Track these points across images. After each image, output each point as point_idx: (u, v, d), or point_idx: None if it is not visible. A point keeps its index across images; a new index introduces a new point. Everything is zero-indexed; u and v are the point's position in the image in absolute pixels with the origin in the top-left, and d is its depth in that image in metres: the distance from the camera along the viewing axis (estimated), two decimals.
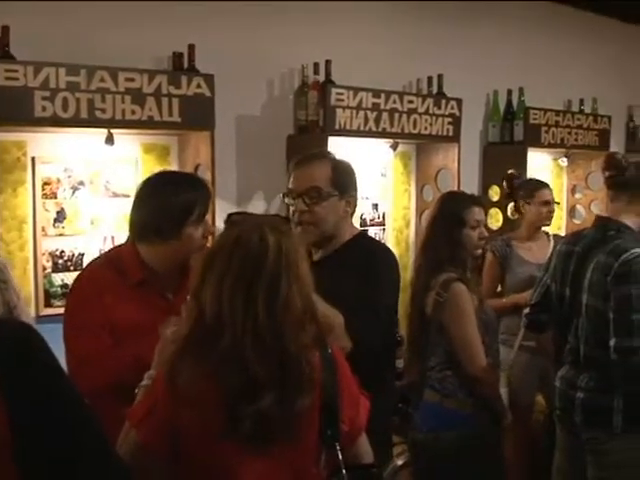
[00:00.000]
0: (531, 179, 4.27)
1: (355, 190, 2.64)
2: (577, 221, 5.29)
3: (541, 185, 4.09)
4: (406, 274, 4.20)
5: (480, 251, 3.16)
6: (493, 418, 2.94)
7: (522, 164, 4.57)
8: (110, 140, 3.10)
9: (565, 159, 5.15)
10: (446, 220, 3.01)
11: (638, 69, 5.83)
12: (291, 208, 2.55)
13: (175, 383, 1.55)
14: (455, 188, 4.08)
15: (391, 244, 4.21)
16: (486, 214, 3.49)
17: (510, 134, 4.71)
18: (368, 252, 2.51)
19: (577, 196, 5.42)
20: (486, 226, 3.17)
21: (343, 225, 2.57)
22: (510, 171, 4.32)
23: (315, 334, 1.63)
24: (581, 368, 2.89)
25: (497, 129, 4.77)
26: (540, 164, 4.99)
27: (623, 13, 5.55)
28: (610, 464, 2.80)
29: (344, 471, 1.70)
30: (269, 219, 1.86)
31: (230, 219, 1.76)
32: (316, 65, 3.77)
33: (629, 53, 5.78)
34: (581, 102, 5.24)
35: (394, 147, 4.08)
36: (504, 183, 4.32)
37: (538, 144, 4.75)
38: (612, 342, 2.67)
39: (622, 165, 2.91)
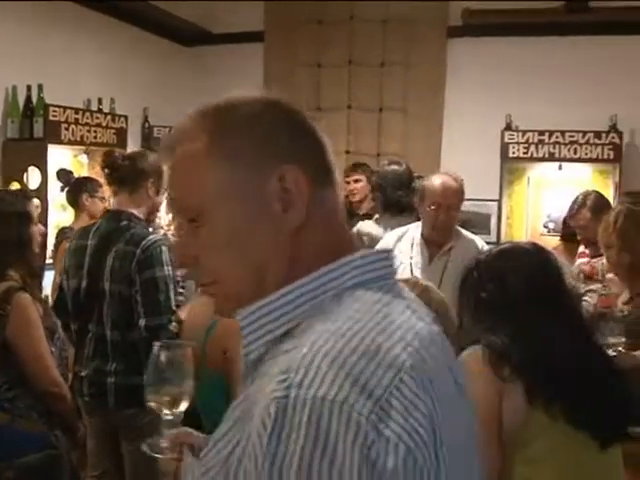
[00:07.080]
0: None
1: None
2: None
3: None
4: None
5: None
6: (69, 434, 2.81)
7: (43, 160, 4.67)
8: None
9: (85, 156, 5.34)
10: (8, 219, 2.73)
11: (148, 72, 6.22)
12: None
13: None
14: None
15: None
16: None
17: (30, 130, 4.73)
18: None
19: None
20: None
21: None
22: (62, 168, 4.81)
23: None
24: (109, 353, 3.10)
25: (16, 125, 4.75)
26: (61, 160, 5.08)
27: (137, 17, 5.91)
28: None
29: None
30: None
31: None
32: None
33: (143, 57, 6.15)
34: (99, 101, 5.45)
35: None
36: (60, 179, 4.73)
37: (58, 141, 4.86)
38: (142, 322, 2.90)
39: (118, 162, 3.11)
